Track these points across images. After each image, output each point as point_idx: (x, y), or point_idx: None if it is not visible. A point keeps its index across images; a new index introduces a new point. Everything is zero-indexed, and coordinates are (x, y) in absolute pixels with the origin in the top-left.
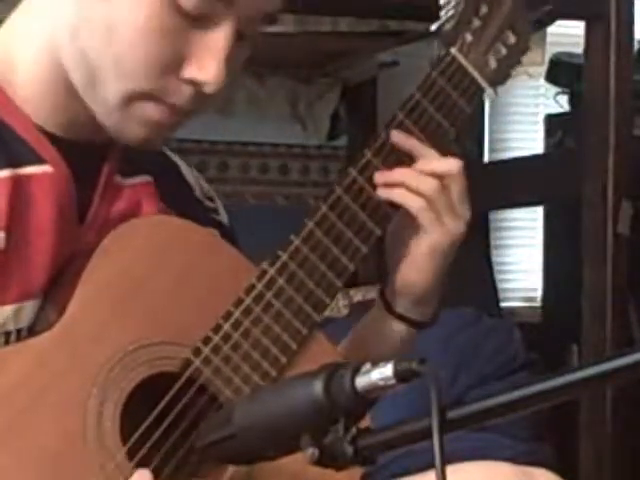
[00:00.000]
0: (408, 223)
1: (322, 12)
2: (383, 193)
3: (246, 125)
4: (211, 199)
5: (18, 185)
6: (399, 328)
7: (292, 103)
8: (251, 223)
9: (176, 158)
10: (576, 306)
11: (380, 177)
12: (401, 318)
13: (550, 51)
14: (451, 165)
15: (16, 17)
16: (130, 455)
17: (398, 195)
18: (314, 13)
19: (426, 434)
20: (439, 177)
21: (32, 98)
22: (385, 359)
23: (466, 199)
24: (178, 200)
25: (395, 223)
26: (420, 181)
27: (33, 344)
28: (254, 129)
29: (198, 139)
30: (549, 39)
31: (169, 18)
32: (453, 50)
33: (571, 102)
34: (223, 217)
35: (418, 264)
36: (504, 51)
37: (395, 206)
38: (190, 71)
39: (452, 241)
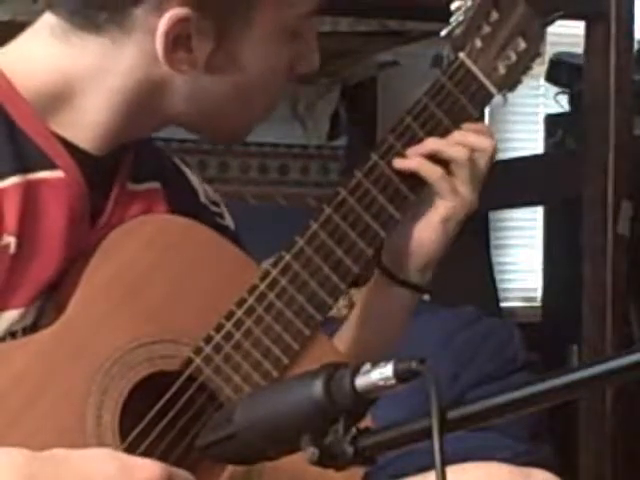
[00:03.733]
0: (423, 194)
1: (322, 12)
2: (399, 163)
3: None
4: (216, 204)
5: (29, 191)
6: (401, 294)
7: (292, 103)
8: (251, 223)
9: (181, 164)
10: (576, 306)
11: (413, 149)
12: (403, 283)
13: (550, 51)
14: (486, 142)
15: (28, 37)
16: (128, 452)
17: (416, 164)
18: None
19: (426, 434)
20: (471, 150)
21: (62, 113)
22: (389, 334)
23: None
24: (184, 205)
25: None
26: (453, 149)
27: (32, 341)
28: (254, 129)
29: (198, 139)
30: (549, 39)
31: (288, 45)
32: (462, 55)
33: (571, 102)
34: (229, 221)
35: (432, 231)
36: (514, 57)
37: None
38: (301, 68)
39: (467, 211)
